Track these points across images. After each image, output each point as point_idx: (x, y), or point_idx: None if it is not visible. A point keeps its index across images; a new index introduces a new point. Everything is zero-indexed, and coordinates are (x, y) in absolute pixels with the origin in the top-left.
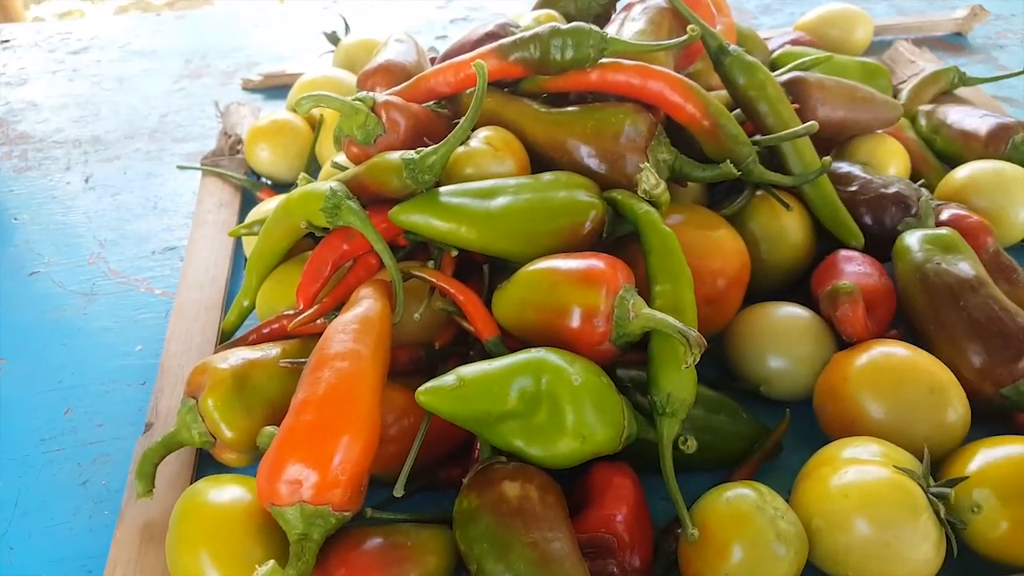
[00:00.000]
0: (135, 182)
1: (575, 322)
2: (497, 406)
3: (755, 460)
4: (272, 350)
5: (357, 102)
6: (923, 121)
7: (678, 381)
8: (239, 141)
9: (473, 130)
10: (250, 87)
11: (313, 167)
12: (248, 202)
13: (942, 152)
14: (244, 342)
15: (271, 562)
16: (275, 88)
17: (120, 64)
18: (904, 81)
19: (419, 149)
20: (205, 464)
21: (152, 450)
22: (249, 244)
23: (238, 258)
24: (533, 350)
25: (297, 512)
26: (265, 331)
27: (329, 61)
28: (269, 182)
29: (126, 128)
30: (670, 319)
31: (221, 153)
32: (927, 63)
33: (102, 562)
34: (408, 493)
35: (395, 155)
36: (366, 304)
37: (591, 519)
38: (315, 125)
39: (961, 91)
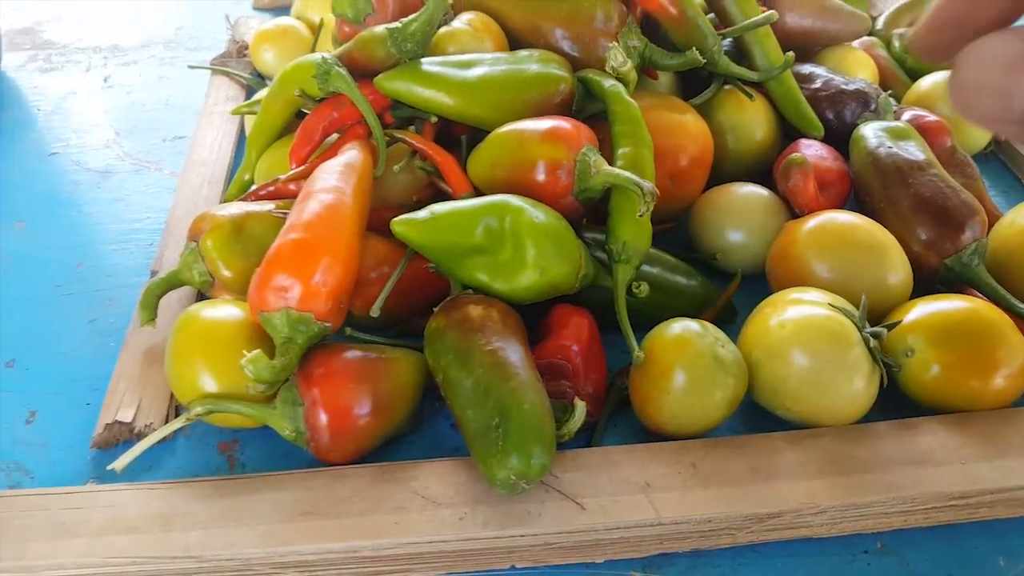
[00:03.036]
0: (149, 83)
1: (540, 175)
2: (464, 239)
3: (707, 317)
4: (269, 205)
5: None
6: (896, 43)
7: (633, 231)
8: (246, 46)
9: (458, 14)
10: (260, 6)
11: None
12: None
13: (913, 70)
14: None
15: (257, 350)
16: (285, 8)
17: None
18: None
19: (402, 19)
20: None
21: (155, 284)
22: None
23: (242, 143)
24: (500, 195)
25: (283, 317)
26: (261, 193)
27: None
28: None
29: (142, 38)
30: (627, 173)
31: (229, 56)
32: None
33: (106, 382)
34: (388, 338)
35: (380, 27)
36: (350, 154)
37: (548, 347)
38: (316, 30)
39: None
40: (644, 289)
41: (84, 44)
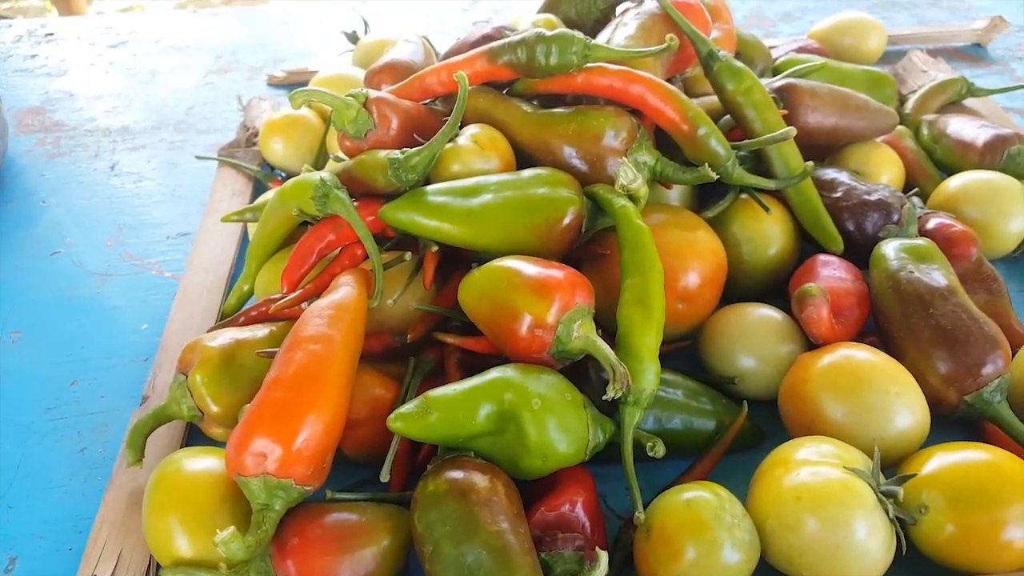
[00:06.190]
0: (157, 170)
1: (522, 328)
2: (465, 430)
3: (715, 453)
4: (261, 331)
5: (348, 98)
6: (925, 131)
7: (640, 372)
8: (256, 134)
9: (463, 127)
10: (275, 83)
11: (323, 161)
12: (260, 193)
13: (941, 162)
14: (234, 323)
15: (231, 528)
16: (298, 84)
17: (155, 58)
18: (915, 91)
19: (404, 149)
20: (195, 438)
21: (143, 422)
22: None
23: (245, 245)
24: (496, 369)
25: (261, 483)
26: (253, 313)
27: (348, 59)
28: (283, 174)
29: (154, 119)
30: (607, 350)
31: (238, 145)
32: (940, 73)
33: (91, 523)
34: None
35: (382, 154)
36: (343, 291)
37: (554, 502)
38: (327, 120)
39: (970, 102)
40: (659, 450)
41: (94, 126)
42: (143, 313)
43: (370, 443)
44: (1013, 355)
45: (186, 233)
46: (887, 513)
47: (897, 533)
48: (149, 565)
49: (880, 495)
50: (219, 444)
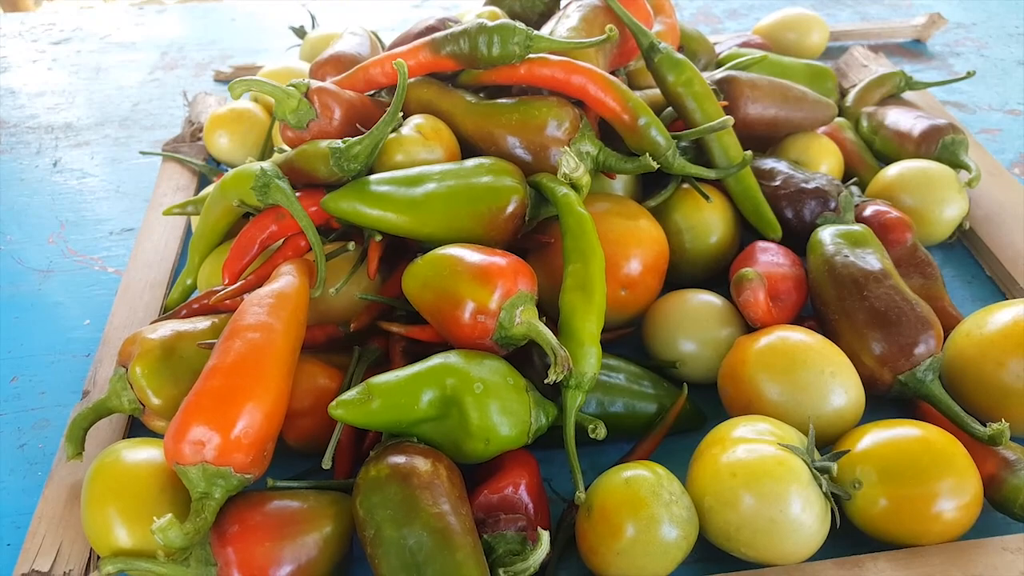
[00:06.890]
0: (101, 167)
1: (465, 315)
2: (407, 415)
3: (657, 435)
4: (203, 323)
5: (290, 87)
6: (865, 122)
7: (582, 356)
8: (201, 128)
9: (407, 118)
10: (221, 78)
11: (269, 154)
12: (205, 187)
13: (880, 152)
14: (176, 316)
15: (168, 515)
16: None
17: (99, 55)
18: (856, 84)
19: (345, 139)
20: (137, 431)
21: (82, 415)
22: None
23: (188, 240)
24: (438, 356)
25: (199, 472)
26: (195, 306)
27: (296, 54)
28: (228, 168)
29: (98, 116)
30: (549, 335)
31: (183, 140)
32: (881, 68)
33: (31, 518)
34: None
35: (323, 143)
36: (284, 280)
37: (497, 485)
38: (273, 113)
39: (909, 95)
40: (601, 432)
41: (36, 123)
42: (86, 309)
43: (314, 433)
44: (946, 336)
45: (130, 229)
46: (821, 488)
47: (832, 508)
48: (89, 558)
49: (814, 470)
50: (161, 436)
